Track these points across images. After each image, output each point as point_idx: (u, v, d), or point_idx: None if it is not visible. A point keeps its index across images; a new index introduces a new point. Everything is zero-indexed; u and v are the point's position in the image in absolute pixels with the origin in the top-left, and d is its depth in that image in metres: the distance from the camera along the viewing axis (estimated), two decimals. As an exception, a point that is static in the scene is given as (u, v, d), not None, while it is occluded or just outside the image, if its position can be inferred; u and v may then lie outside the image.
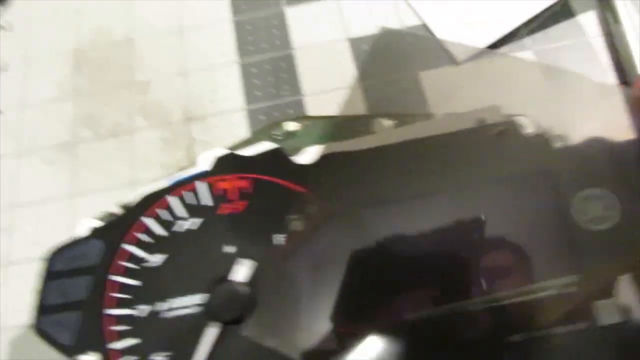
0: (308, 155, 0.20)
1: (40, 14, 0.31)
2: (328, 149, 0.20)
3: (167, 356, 0.19)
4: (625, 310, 0.18)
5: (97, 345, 0.19)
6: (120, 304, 0.20)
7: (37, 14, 0.31)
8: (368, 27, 0.29)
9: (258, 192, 0.20)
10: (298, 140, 0.22)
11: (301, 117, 0.23)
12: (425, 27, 0.28)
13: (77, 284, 0.20)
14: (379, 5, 0.29)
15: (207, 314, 0.19)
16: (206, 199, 0.20)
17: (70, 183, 0.26)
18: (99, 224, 0.21)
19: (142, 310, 0.20)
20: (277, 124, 0.23)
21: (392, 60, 0.28)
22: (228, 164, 0.20)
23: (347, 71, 0.28)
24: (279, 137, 0.22)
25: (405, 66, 0.28)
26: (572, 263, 0.19)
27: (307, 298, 0.19)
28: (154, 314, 0.19)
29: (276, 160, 0.20)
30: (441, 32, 0.28)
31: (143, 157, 0.27)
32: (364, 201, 0.20)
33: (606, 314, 0.18)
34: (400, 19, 0.29)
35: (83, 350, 0.19)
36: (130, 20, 0.30)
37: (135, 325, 0.19)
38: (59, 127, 0.28)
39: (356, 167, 0.20)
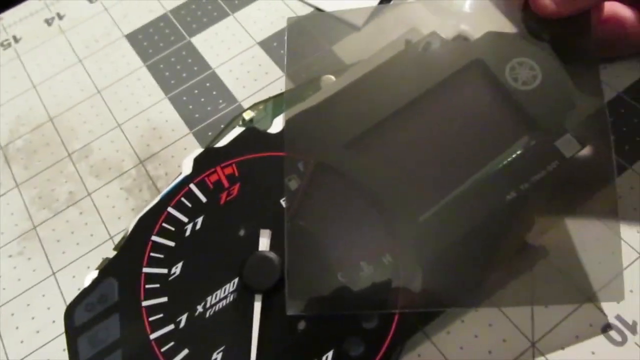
0: (277, 124, 0.22)
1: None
2: (291, 112, 0.22)
3: (222, 350, 0.19)
4: (579, 138, 0.21)
5: (152, 372, 0.19)
6: (160, 324, 0.19)
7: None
8: (269, 27, 0.31)
9: (245, 172, 0.21)
10: (259, 124, 0.23)
11: (253, 105, 0.24)
12: (318, 9, 0.31)
13: (107, 327, 0.19)
14: (271, 6, 0.32)
15: (247, 289, 0.19)
16: (201, 196, 0.21)
17: (48, 264, 0.25)
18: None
19: (183, 319, 0.19)
20: (235, 118, 0.24)
21: (305, 46, 0.30)
22: (208, 159, 0.21)
23: (269, 69, 0.30)
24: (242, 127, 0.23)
25: (318, 46, 0.30)
26: (523, 120, 0.21)
27: (338, 240, 0.20)
28: (195, 319, 0.19)
29: (250, 139, 0.21)
30: (333, 7, 0.31)
31: (110, 212, 0.26)
32: (340, 138, 0.21)
33: (567, 147, 0.21)
34: (294, 12, 0.31)
35: (140, 383, 0.19)
36: (45, 103, 0.30)
37: (181, 337, 0.19)
38: (13, 219, 0.27)
39: (322, 116, 0.22)
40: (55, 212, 0.27)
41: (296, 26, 0.30)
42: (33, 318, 0.24)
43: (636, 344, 0.21)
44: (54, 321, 0.24)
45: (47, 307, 0.24)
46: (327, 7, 0.31)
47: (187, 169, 0.21)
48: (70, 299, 0.21)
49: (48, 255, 0.26)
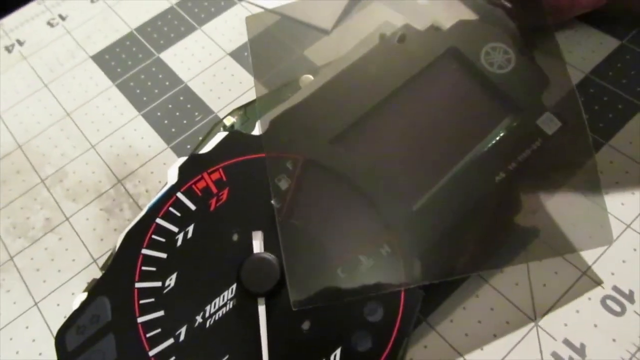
0: (260, 126, 0.21)
1: None
2: (274, 113, 0.22)
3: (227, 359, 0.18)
4: (559, 116, 0.22)
5: (154, 392, 0.18)
6: (158, 339, 0.18)
7: None
8: (238, 38, 0.31)
9: (233, 176, 0.20)
10: (241, 129, 0.23)
11: (233, 110, 0.24)
12: (285, 17, 0.31)
13: (102, 349, 0.18)
14: (237, 17, 0.32)
15: (248, 294, 0.18)
16: (190, 204, 0.20)
17: (29, 294, 0.24)
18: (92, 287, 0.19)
19: (182, 332, 0.19)
20: (216, 124, 0.23)
21: (277, 52, 0.30)
22: (193, 166, 0.21)
23: (242, 78, 0.30)
24: (224, 133, 0.23)
25: (290, 53, 0.30)
26: (504, 103, 0.22)
27: (334, 236, 0.19)
28: (195, 330, 0.19)
29: (235, 142, 0.21)
30: (299, 13, 0.31)
31: (92, 234, 0.25)
32: (325, 135, 0.21)
33: (548, 125, 0.21)
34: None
35: (142, 405, 0.18)
36: (12, 130, 0.29)
37: (182, 350, 0.18)
38: (-13, 252, 0.26)
39: (305, 114, 0.22)
40: (32, 241, 0.26)
41: (256, 24, 0.30)
42: (17, 352, 0.23)
43: (635, 312, 0.21)
44: (40, 353, 0.23)
45: (32, 340, 0.23)
46: (294, 15, 0.31)
47: (172, 177, 0.21)
48: (56, 328, 0.20)
49: (28, 286, 0.24)
